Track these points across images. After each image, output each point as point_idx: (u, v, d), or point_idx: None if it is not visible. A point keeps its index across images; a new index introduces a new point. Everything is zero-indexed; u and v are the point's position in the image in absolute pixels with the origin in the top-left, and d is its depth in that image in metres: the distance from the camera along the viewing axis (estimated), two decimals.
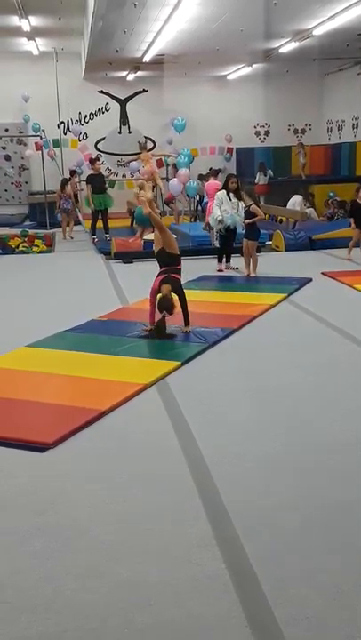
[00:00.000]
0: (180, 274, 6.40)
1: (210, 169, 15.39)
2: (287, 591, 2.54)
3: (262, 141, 19.84)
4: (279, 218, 14.36)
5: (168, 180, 14.74)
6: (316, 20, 12.14)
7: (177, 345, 5.85)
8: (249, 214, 8.96)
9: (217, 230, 9.66)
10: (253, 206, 9.10)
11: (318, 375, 5.08)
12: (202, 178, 14.70)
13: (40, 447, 3.80)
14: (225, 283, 8.85)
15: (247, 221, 9.04)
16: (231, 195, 9.28)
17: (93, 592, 2.58)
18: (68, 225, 14.28)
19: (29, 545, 2.91)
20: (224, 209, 9.26)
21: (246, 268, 9.03)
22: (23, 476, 3.55)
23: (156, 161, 15.58)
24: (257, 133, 19.94)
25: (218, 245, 9.87)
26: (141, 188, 12.44)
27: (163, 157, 16.47)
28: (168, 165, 16.36)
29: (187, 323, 6.23)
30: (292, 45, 14.25)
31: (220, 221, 9.29)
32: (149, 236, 11.52)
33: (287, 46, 14.46)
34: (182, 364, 5.30)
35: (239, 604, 2.48)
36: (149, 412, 4.42)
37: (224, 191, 9.39)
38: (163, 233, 6.50)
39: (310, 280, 8.57)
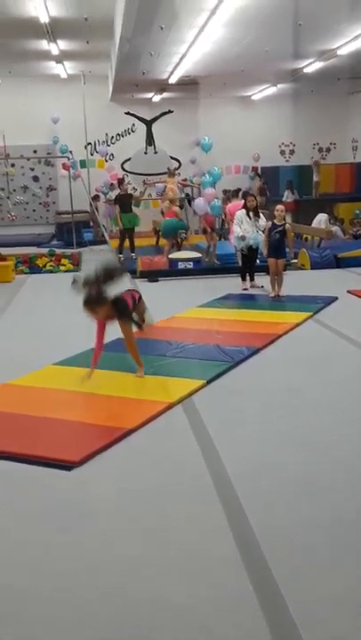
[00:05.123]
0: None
1: (223, 191, 15.41)
2: (314, 613, 2.52)
3: (287, 160, 19.93)
4: (305, 236, 14.35)
5: (193, 198, 14.84)
6: (341, 39, 12.22)
7: (202, 364, 5.86)
8: (283, 233, 8.74)
9: (239, 249, 9.68)
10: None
11: (345, 393, 5.05)
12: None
13: (66, 465, 3.83)
14: (250, 301, 8.85)
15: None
16: (251, 214, 9.32)
17: (115, 608, 2.58)
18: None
19: (53, 560, 2.93)
20: (244, 228, 9.30)
21: (273, 288, 8.90)
22: (49, 493, 3.58)
23: (181, 182, 15.72)
24: (282, 152, 20.03)
25: (240, 264, 9.89)
26: (172, 202, 12.73)
27: (188, 178, 16.65)
28: (193, 184, 16.50)
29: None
30: (317, 65, 14.34)
31: (243, 238, 9.31)
32: (175, 255, 11.62)
33: (312, 66, 14.56)
34: (207, 383, 5.30)
35: (266, 625, 2.46)
36: (175, 431, 4.42)
37: (243, 210, 9.44)
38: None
39: (336, 299, 8.53)
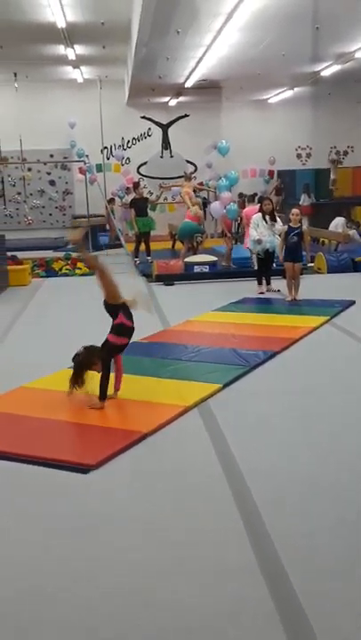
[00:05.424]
0: (117, 333, 5.01)
1: (238, 195, 15.37)
2: (332, 622, 2.48)
3: (304, 163, 19.86)
4: (322, 240, 14.28)
5: (209, 202, 14.84)
6: (359, 42, 12.16)
7: (218, 368, 5.83)
8: (300, 235, 8.70)
9: (255, 252, 9.66)
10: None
11: None
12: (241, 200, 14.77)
13: (83, 468, 3.82)
14: (266, 305, 8.81)
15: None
16: (267, 217, 9.29)
17: (130, 612, 2.57)
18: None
19: (70, 564, 2.92)
20: (260, 231, 9.27)
21: (290, 292, 8.87)
22: (66, 497, 3.57)
23: (197, 185, 15.73)
24: (298, 156, 19.97)
25: (256, 268, 9.87)
26: (194, 205, 12.81)
27: (204, 182, 16.69)
28: (209, 188, 16.51)
29: (101, 397, 4.82)
30: (335, 68, 14.29)
31: (259, 242, 9.28)
32: (191, 259, 11.61)
33: (329, 69, 14.51)
34: (224, 387, 5.28)
35: (284, 634, 2.43)
36: (191, 435, 4.40)
37: (260, 214, 9.41)
38: (102, 278, 5.09)
39: (354, 303, 8.47)
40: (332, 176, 17.95)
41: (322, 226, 14.72)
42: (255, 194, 15.62)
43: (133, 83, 15.31)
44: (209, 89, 16.57)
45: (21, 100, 16.89)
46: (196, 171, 18.67)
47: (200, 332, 7.23)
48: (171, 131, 19.26)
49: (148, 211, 13.57)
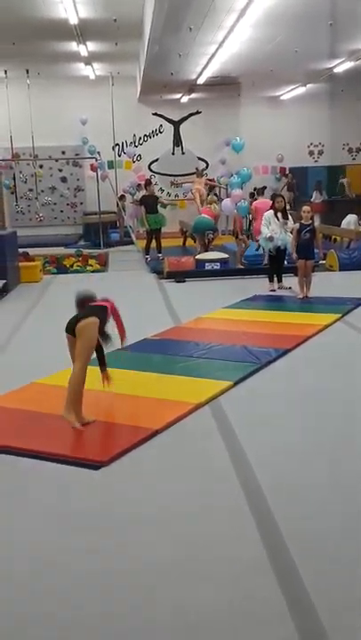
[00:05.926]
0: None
1: (250, 194, 15.32)
2: (343, 621, 2.47)
3: (316, 161, 19.78)
4: (333, 237, 14.22)
5: (221, 199, 14.81)
6: None
7: (230, 365, 5.82)
8: (311, 232, 8.67)
9: (267, 250, 9.62)
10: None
11: None
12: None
13: (95, 465, 3.82)
14: (278, 302, 8.79)
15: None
16: (279, 214, 9.25)
17: (146, 615, 2.57)
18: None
19: (86, 564, 2.92)
20: (272, 229, 9.23)
21: (301, 290, 8.82)
22: (78, 493, 3.58)
23: (207, 181, 15.71)
24: (310, 153, 19.88)
25: (268, 265, 9.84)
26: (211, 203, 12.79)
27: (216, 179, 16.67)
28: (220, 185, 16.50)
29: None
30: (347, 65, 14.22)
31: (271, 239, 9.23)
32: (202, 256, 11.59)
33: (342, 66, 14.43)
34: (235, 384, 5.26)
35: (295, 631, 2.42)
36: (202, 432, 4.40)
37: (271, 211, 9.37)
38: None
39: None
40: (348, 193, 17.91)
41: (334, 223, 14.65)
42: (265, 187, 15.57)
43: (145, 79, 15.30)
44: (221, 86, 16.53)
45: (33, 96, 16.91)
46: (207, 167, 18.64)
47: (211, 329, 7.22)
48: (182, 127, 19.23)
49: (159, 207, 13.56)
